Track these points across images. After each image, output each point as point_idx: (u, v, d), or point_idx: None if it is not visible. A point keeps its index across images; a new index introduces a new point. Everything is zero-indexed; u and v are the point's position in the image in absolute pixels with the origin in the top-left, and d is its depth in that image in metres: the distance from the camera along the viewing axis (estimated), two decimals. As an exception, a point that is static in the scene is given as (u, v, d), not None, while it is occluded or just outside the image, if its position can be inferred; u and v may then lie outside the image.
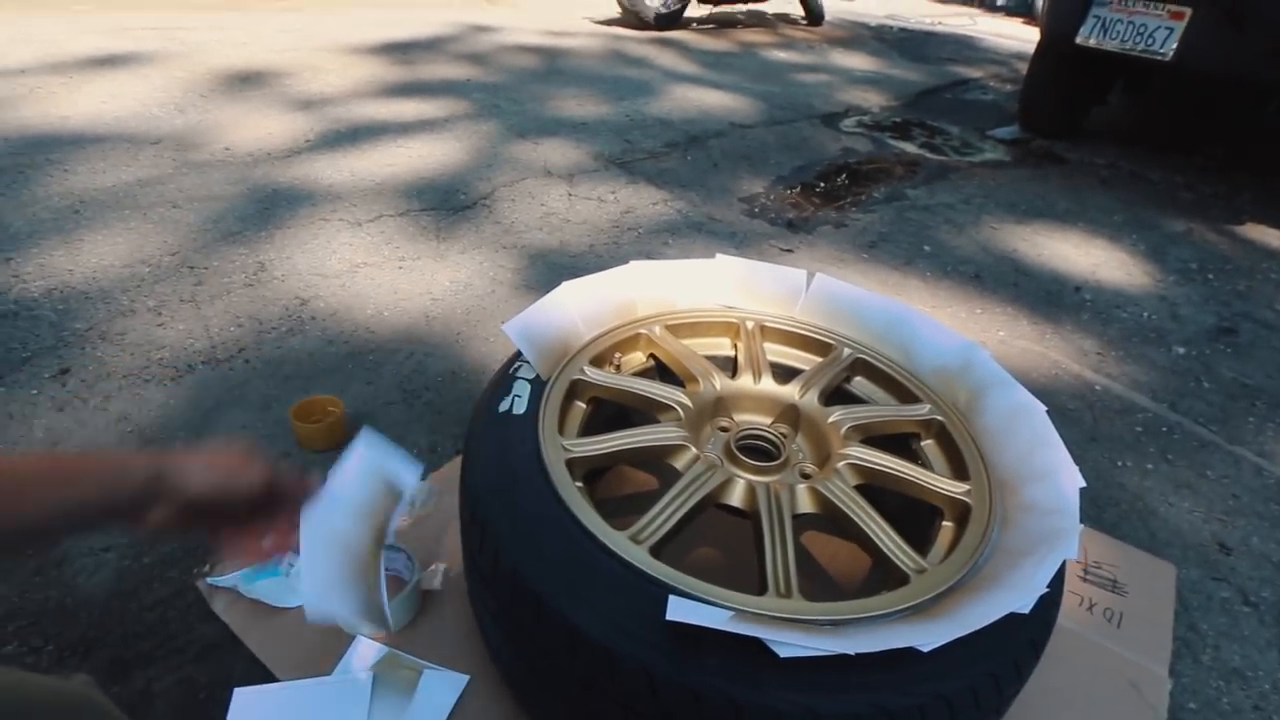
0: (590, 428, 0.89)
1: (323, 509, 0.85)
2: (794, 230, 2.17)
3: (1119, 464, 1.33)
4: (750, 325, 1.04)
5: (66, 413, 1.21)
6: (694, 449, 0.82)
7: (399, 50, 3.54)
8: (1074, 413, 1.45)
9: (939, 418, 0.91)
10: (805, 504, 0.78)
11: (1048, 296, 1.90)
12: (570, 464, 0.79)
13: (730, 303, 1.09)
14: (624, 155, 2.55)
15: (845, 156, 2.85)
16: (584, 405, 0.91)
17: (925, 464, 0.89)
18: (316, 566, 0.79)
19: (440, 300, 1.62)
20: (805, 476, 0.83)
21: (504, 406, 0.85)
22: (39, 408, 1.21)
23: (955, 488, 0.81)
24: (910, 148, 3.04)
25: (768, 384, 0.96)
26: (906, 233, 2.20)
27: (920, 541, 0.78)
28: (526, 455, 0.77)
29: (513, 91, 3.10)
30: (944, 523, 0.80)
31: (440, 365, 1.42)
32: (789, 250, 2.03)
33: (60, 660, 0.85)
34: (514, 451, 0.78)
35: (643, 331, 1.01)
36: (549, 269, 1.76)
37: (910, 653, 0.60)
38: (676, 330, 1.03)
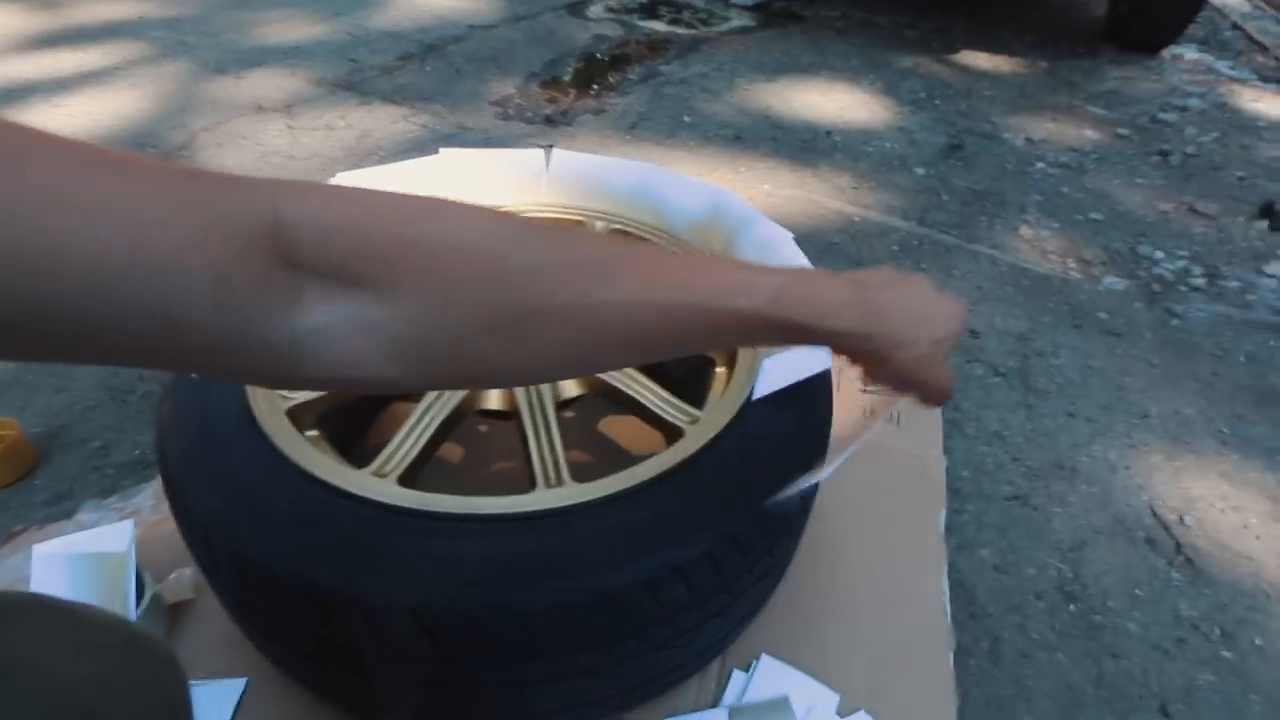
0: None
1: None
2: (553, 125, 2.06)
3: (883, 283, 1.42)
4: (494, 218, 0.94)
5: None
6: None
7: (41, -7, 2.86)
8: (839, 245, 1.52)
9: (698, 269, 0.87)
10: (571, 388, 0.72)
11: (803, 145, 1.96)
12: (294, 413, 0.66)
13: (467, 199, 0.97)
14: (351, 76, 2.26)
15: (596, 44, 2.73)
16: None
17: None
18: None
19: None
20: (574, 360, 0.77)
21: (198, 368, 0.69)
22: None
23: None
24: (660, 26, 2.99)
25: (519, 274, 0.87)
26: (665, 108, 2.17)
27: (701, 393, 0.75)
28: (230, 414, 0.64)
29: (201, 24, 2.62)
30: (716, 369, 0.78)
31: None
32: (549, 145, 1.92)
33: None
34: (214, 415, 0.64)
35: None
36: (280, 213, 1.52)
37: (686, 504, 0.56)
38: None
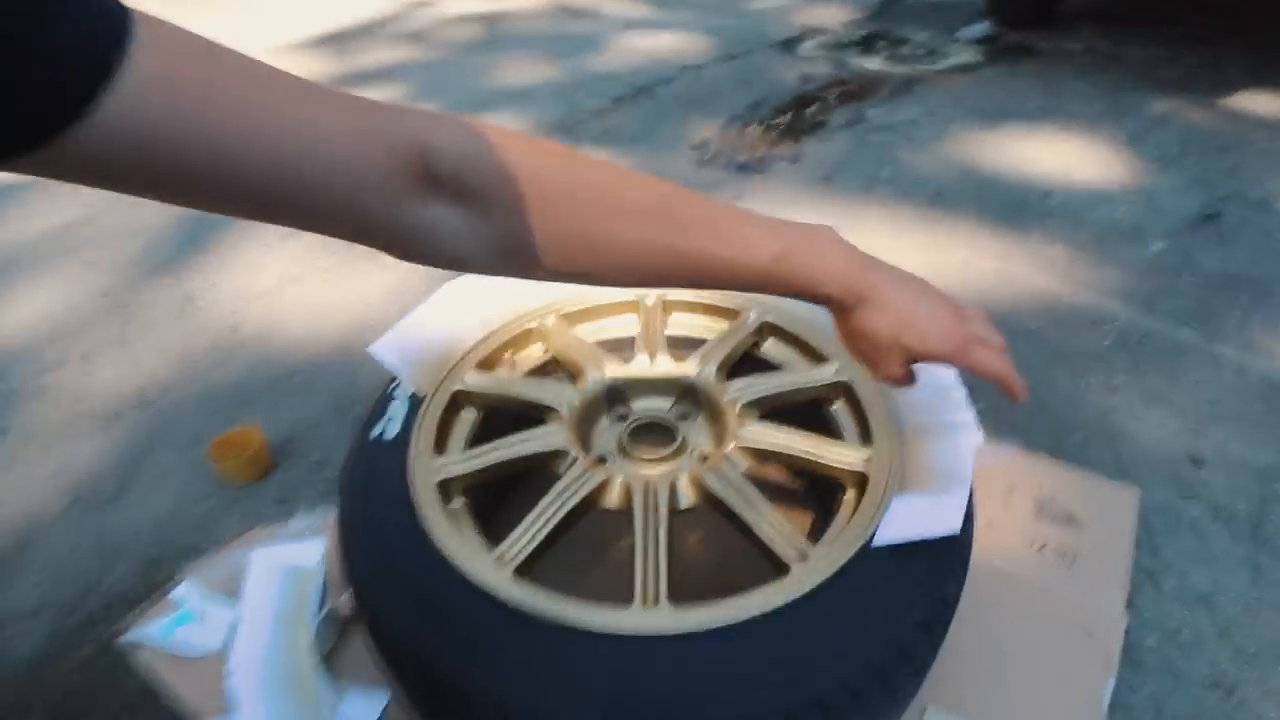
0: (482, 440, 0.84)
1: (244, 649, 0.84)
2: (745, 173, 2.07)
3: (1084, 382, 1.25)
4: (651, 300, 0.98)
5: (5, 473, 1.21)
6: (574, 452, 0.77)
7: (335, 41, 3.43)
8: (1038, 332, 1.37)
9: (845, 378, 0.84)
10: (689, 497, 0.74)
11: (1013, 206, 1.79)
12: (445, 485, 0.75)
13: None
14: (566, 119, 2.45)
15: (803, 84, 2.70)
16: (473, 416, 0.87)
17: (836, 430, 0.83)
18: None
19: (375, 305, 1.57)
20: (705, 460, 0.78)
21: (375, 432, 0.81)
22: (-28, 475, 1.21)
23: (853, 456, 0.75)
24: (873, 64, 2.87)
25: (664, 363, 0.90)
26: (866, 158, 2.09)
27: (822, 517, 0.73)
28: (392, 482, 0.73)
29: (452, 68, 2.99)
30: (846, 495, 0.75)
31: (375, 374, 1.36)
32: (738, 197, 1.94)
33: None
34: (380, 480, 0.74)
35: (534, 325, 0.95)
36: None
37: (776, 657, 0.55)
38: (573, 317, 0.97)
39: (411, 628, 0.62)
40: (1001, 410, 1.19)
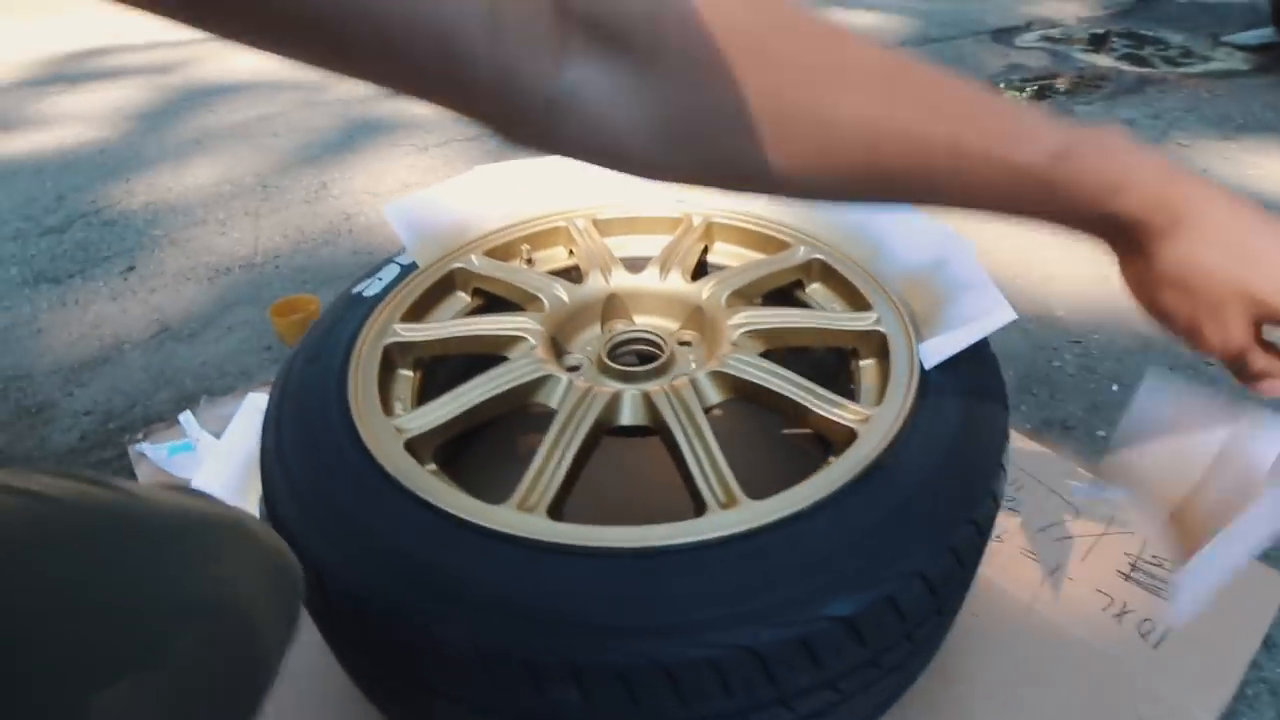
0: (467, 321, 0.78)
1: (204, 477, 0.86)
2: (901, 152, 1.84)
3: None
4: (697, 220, 0.86)
5: (117, 302, 1.35)
6: (532, 341, 0.69)
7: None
8: (1214, 367, 1.06)
9: (882, 330, 0.68)
10: (632, 414, 0.62)
11: (1233, 227, 1.42)
12: (395, 348, 0.70)
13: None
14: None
15: (1008, 74, 2.38)
16: (466, 297, 0.81)
17: (855, 389, 0.68)
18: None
19: (475, 219, 1.58)
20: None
21: (359, 289, 0.77)
22: (98, 296, 1.37)
23: (850, 414, 0.59)
24: (1103, 60, 2.46)
25: (675, 281, 0.79)
26: (1052, 153, 1.77)
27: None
28: (342, 335, 0.69)
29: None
30: (830, 459, 0.59)
31: (445, 278, 1.38)
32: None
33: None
34: (334, 330, 0.71)
35: (563, 225, 0.87)
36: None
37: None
38: (606, 225, 0.88)
39: (277, 466, 0.57)
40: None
